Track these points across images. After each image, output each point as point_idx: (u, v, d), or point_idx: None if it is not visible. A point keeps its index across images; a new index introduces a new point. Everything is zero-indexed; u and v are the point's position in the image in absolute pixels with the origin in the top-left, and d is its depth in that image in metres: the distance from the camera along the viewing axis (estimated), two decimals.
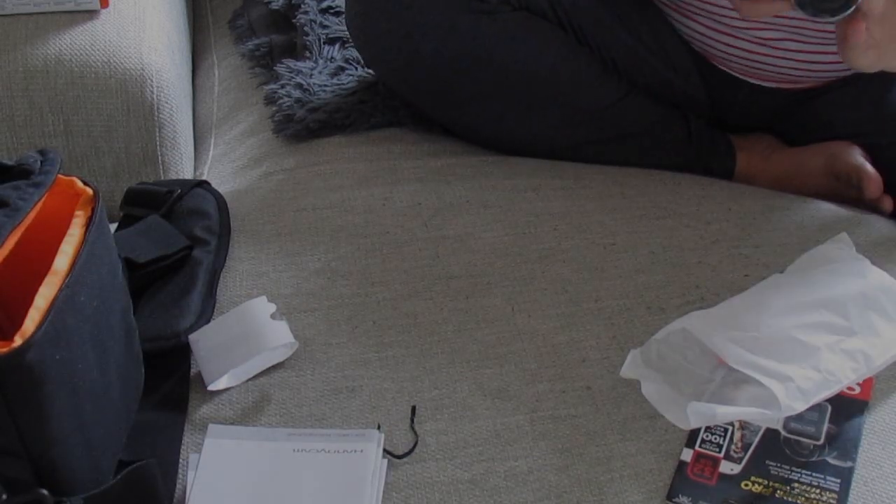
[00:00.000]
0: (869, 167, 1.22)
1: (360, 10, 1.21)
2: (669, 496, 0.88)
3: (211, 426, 0.93)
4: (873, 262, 1.03)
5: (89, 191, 0.86)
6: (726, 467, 0.89)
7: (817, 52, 1.20)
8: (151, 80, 1.26)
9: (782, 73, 1.23)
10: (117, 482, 0.82)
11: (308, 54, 1.38)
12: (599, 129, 1.25)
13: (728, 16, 1.19)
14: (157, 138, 1.27)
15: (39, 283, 0.78)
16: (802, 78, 1.24)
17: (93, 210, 0.85)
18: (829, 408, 0.93)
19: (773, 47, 1.20)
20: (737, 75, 1.26)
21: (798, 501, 0.87)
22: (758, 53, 1.21)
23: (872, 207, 1.21)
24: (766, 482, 0.88)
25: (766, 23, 1.17)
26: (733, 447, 0.91)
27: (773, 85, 1.26)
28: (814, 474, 0.88)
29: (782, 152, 1.29)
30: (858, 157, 1.24)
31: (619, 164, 1.24)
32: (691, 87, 1.27)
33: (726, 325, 0.95)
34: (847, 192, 1.23)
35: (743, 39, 1.21)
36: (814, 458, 0.90)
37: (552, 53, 1.20)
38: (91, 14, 1.29)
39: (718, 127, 1.30)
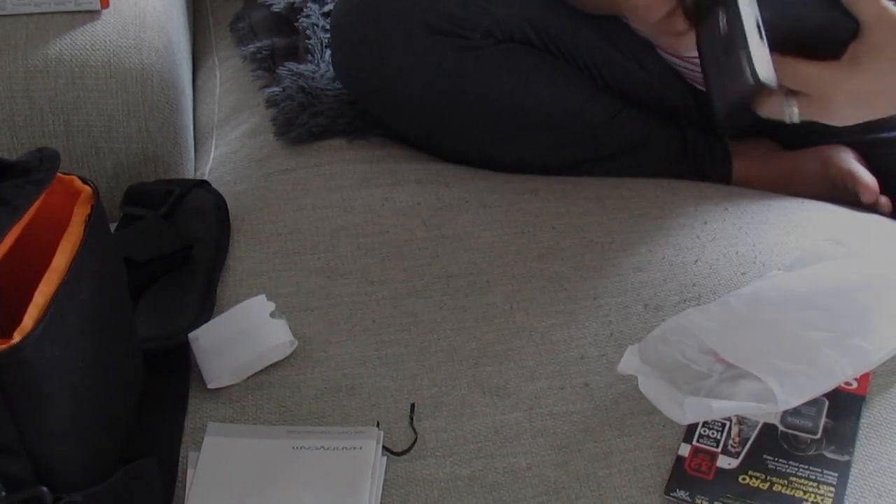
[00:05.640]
0: (863, 172, 1.21)
1: (344, 52, 1.21)
2: (667, 491, 0.88)
3: (210, 424, 0.94)
4: (869, 259, 1.03)
5: (88, 189, 0.86)
6: (724, 462, 0.90)
7: None
8: (151, 80, 1.26)
9: None
10: (117, 480, 0.83)
11: (310, 57, 1.38)
12: (593, 148, 1.23)
13: None
14: (158, 138, 1.27)
15: (39, 281, 0.78)
16: None
17: (92, 208, 0.85)
18: (827, 402, 0.93)
19: None
20: None
21: (796, 495, 0.87)
22: None
23: (871, 208, 1.21)
24: (763, 476, 0.88)
25: None
26: (731, 442, 0.91)
27: None
28: (811, 468, 0.89)
29: (779, 157, 1.29)
30: (852, 162, 1.22)
31: (615, 177, 1.23)
32: (686, 102, 1.27)
33: (723, 322, 0.96)
34: (844, 197, 1.22)
35: None
36: (811, 453, 0.90)
37: (540, 82, 1.19)
38: (91, 14, 1.29)
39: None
